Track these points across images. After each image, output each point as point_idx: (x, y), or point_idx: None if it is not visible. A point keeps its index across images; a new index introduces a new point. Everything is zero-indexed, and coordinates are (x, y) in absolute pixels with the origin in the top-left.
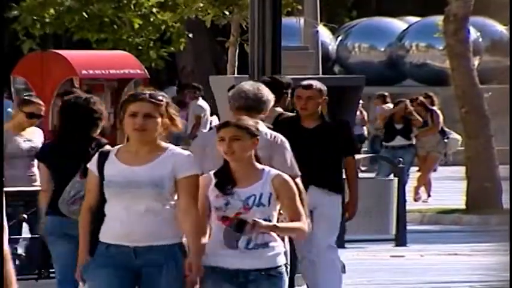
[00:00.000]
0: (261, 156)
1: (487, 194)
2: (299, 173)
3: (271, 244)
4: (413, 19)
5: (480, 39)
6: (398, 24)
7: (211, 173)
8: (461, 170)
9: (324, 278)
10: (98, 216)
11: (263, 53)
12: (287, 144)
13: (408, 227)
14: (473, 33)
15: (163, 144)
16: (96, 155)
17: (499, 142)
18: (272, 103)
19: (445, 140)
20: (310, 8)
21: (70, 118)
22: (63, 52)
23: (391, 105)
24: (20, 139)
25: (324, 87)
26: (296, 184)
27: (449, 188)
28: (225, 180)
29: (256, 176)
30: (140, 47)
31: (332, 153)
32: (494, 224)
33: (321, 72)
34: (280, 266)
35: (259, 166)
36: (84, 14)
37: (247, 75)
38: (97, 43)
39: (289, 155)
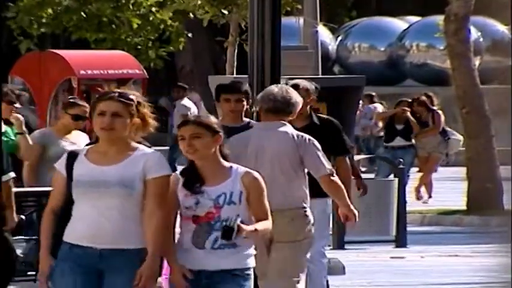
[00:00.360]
0: (290, 158)
1: (488, 195)
2: (333, 170)
3: (239, 245)
4: (413, 19)
5: (481, 39)
6: (399, 24)
7: (178, 172)
8: (462, 171)
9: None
10: (64, 219)
11: (262, 53)
12: (316, 143)
13: (408, 228)
14: (474, 33)
15: (133, 144)
16: (65, 156)
17: (500, 142)
18: (300, 105)
19: (447, 140)
20: (309, 7)
21: None
22: (61, 52)
23: (378, 105)
24: (64, 142)
25: (311, 87)
26: (334, 182)
27: (450, 189)
28: (193, 179)
29: (224, 174)
30: (139, 47)
31: None
32: (495, 225)
33: (320, 73)
34: (248, 268)
35: (226, 164)
36: (82, 13)
37: (246, 75)
38: (95, 43)
39: (320, 153)
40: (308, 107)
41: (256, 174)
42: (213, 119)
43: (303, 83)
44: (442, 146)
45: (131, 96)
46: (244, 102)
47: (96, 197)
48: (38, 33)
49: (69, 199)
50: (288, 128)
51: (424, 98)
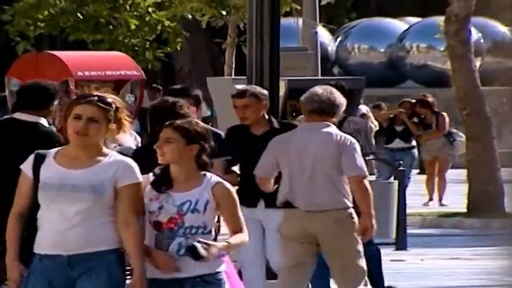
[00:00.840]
0: (332, 159)
1: (489, 197)
2: (367, 174)
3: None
4: (413, 20)
5: (482, 40)
6: (399, 24)
7: (151, 174)
8: (462, 173)
9: None
10: (31, 223)
11: (261, 54)
12: (357, 146)
13: (408, 231)
14: (475, 34)
15: (105, 149)
16: (32, 157)
17: (501, 145)
18: (344, 107)
19: (452, 142)
20: (309, 8)
21: (158, 123)
22: (58, 53)
23: (362, 107)
24: (111, 144)
25: (262, 91)
26: (364, 185)
27: (450, 191)
28: (162, 181)
29: (196, 181)
30: (136, 48)
31: None
32: (496, 227)
33: (320, 74)
34: (218, 272)
35: (201, 172)
36: (79, 14)
37: (245, 77)
38: (93, 44)
39: (358, 156)
40: (263, 112)
41: (227, 185)
42: (198, 127)
43: (251, 89)
44: (447, 147)
45: (109, 101)
46: (194, 108)
47: (63, 201)
48: (35, 35)
49: (36, 202)
50: (332, 129)
51: (430, 99)
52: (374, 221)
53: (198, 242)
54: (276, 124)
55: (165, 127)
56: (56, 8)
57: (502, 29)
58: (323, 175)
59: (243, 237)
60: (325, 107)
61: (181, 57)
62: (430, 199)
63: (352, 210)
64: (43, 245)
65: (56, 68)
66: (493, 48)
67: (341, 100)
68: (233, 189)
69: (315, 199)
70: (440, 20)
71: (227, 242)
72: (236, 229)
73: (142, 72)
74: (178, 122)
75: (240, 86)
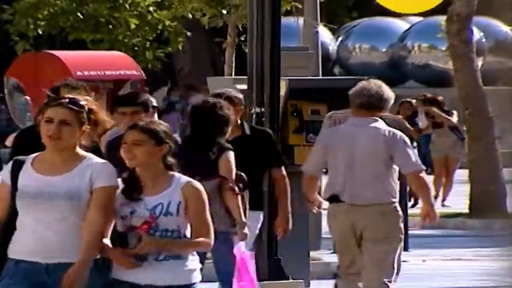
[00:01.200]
0: (380, 154)
1: (491, 198)
2: (423, 167)
3: (184, 257)
4: (415, 19)
5: (484, 40)
6: (400, 24)
7: (120, 179)
8: (465, 173)
9: None
10: (9, 231)
11: (262, 54)
12: (406, 140)
13: (410, 232)
14: (477, 34)
15: (82, 152)
16: (11, 163)
17: (503, 145)
18: (392, 102)
19: (462, 140)
20: (310, 8)
21: (198, 123)
22: (58, 53)
23: None
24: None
25: (237, 95)
26: (422, 179)
27: (452, 192)
28: (132, 186)
29: (165, 183)
30: (136, 48)
31: (252, 166)
32: (498, 228)
33: (321, 74)
34: (195, 283)
35: (169, 173)
36: (79, 14)
37: (245, 77)
38: (92, 43)
39: (410, 150)
40: (237, 117)
41: (197, 184)
42: (162, 126)
43: (226, 92)
44: (458, 146)
45: (82, 103)
46: (143, 114)
47: (41, 209)
48: (34, 34)
49: (15, 210)
50: (380, 124)
51: (440, 98)
52: (435, 208)
53: (138, 232)
54: (247, 130)
55: (130, 129)
56: (56, 7)
57: (504, 28)
58: (371, 170)
59: (204, 242)
60: (373, 101)
61: (181, 57)
62: (436, 196)
63: (396, 204)
64: (20, 251)
65: (55, 68)
66: (495, 47)
67: (389, 94)
68: (203, 190)
69: (362, 193)
70: (442, 19)
71: (171, 241)
72: (200, 233)
73: (142, 72)
74: (142, 123)
75: (240, 86)
